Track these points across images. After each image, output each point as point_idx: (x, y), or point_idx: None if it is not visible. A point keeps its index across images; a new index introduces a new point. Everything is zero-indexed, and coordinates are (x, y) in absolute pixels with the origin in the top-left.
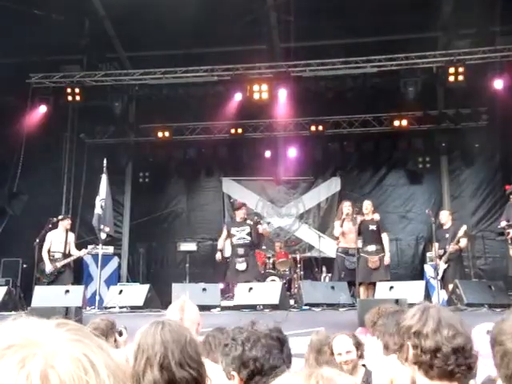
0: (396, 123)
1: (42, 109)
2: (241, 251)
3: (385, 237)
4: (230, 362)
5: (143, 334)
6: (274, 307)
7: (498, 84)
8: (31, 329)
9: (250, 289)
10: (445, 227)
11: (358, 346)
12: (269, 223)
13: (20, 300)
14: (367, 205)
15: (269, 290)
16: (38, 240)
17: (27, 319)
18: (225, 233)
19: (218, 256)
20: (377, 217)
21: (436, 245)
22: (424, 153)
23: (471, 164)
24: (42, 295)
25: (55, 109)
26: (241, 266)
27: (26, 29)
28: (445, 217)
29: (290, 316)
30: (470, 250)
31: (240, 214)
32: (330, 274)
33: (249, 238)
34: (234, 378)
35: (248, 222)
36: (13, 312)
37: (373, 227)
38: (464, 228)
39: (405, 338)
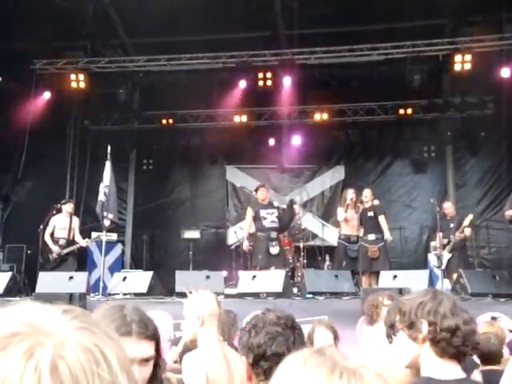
0: (401, 111)
1: (46, 95)
2: (273, 235)
3: (382, 219)
4: (241, 348)
5: None
6: (277, 295)
7: (505, 72)
8: (36, 315)
9: (254, 277)
10: (449, 217)
11: (336, 339)
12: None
13: (24, 286)
14: (366, 193)
15: (272, 278)
16: (42, 226)
17: (31, 304)
18: (251, 215)
19: (246, 244)
20: (376, 202)
21: (440, 234)
22: (429, 141)
23: (477, 153)
24: (46, 281)
25: (59, 95)
26: (274, 249)
27: (29, 15)
28: (448, 207)
29: (293, 304)
30: (474, 239)
31: (262, 195)
32: (333, 263)
33: (277, 221)
34: (244, 362)
35: (275, 204)
36: (17, 298)
37: (371, 214)
38: (470, 217)
39: (417, 315)
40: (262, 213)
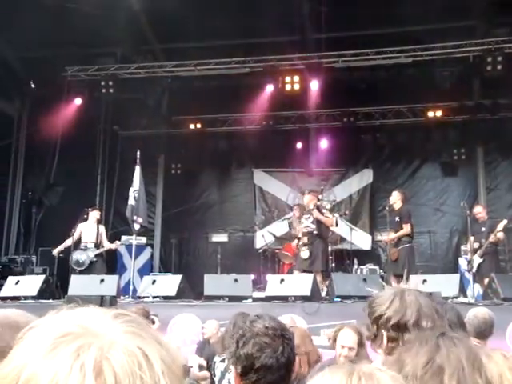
0: (430, 114)
1: (78, 101)
2: (305, 239)
3: (405, 227)
4: (229, 356)
5: None
6: (305, 299)
7: None
8: (88, 318)
9: (282, 280)
10: (480, 221)
11: (361, 344)
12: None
13: (56, 289)
14: (394, 195)
15: (300, 282)
16: (73, 230)
17: (85, 308)
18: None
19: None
20: (403, 207)
21: (471, 238)
22: (459, 144)
23: (508, 156)
24: (78, 284)
25: (90, 101)
26: (304, 254)
27: (61, 22)
28: (479, 212)
29: (321, 308)
30: (506, 243)
31: (306, 200)
32: (362, 267)
33: (313, 226)
34: (232, 371)
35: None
36: (50, 300)
37: (397, 218)
38: (504, 222)
39: (381, 328)
40: (302, 218)
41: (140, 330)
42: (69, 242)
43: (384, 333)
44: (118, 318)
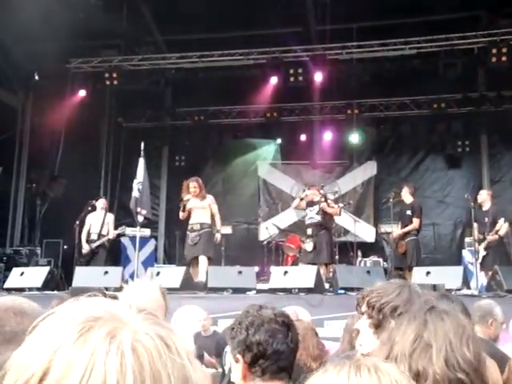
0: (434, 106)
1: (81, 93)
2: (309, 231)
3: (415, 221)
4: (235, 346)
5: None
6: (309, 291)
7: None
8: (111, 306)
9: (286, 272)
10: (484, 208)
11: None
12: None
13: (61, 280)
14: (403, 188)
15: (304, 274)
16: (78, 222)
17: (102, 299)
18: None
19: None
20: (416, 201)
21: (475, 225)
22: (463, 136)
23: None
24: (82, 276)
25: (94, 93)
26: (308, 246)
27: (64, 14)
28: (483, 196)
29: (325, 300)
30: (511, 235)
31: (309, 196)
32: (365, 259)
33: (318, 218)
34: (239, 361)
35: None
36: (55, 291)
37: (408, 212)
38: (501, 221)
39: (387, 316)
40: (307, 210)
41: (159, 321)
42: (83, 237)
43: (392, 322)
44: (138, 309)
